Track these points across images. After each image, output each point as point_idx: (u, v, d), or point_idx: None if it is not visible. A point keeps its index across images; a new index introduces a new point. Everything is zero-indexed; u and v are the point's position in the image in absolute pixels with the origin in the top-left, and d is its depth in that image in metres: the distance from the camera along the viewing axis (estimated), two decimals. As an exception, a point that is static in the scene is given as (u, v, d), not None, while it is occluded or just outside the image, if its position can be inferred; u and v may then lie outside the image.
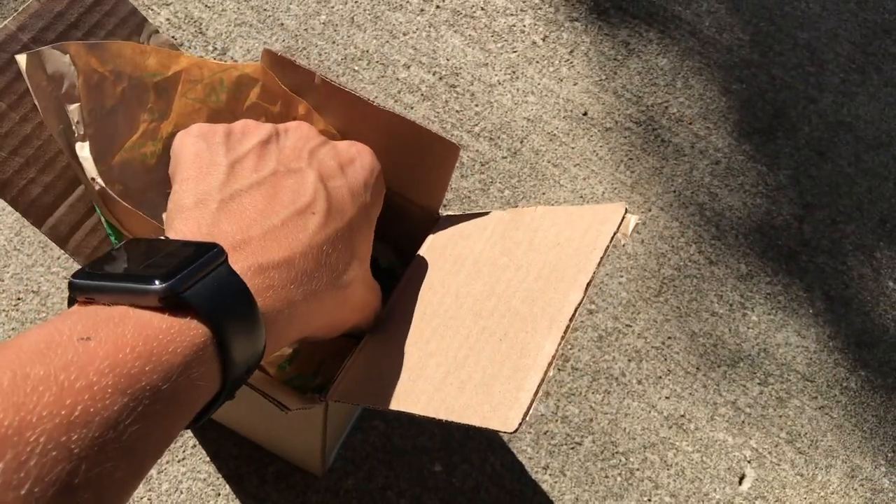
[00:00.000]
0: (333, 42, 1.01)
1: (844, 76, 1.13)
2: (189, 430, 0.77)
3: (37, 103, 0.46)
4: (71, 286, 0.33)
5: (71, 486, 0.24)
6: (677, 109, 1.05)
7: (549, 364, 0.46)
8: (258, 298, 0.37)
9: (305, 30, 1.02)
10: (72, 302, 0.34)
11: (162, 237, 0.38)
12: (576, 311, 0.48)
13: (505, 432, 0.43)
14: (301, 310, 0.42)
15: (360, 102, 0.58)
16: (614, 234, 0.51)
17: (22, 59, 0.46)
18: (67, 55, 0.47)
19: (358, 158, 0.52)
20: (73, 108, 0.47)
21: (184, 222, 0.40)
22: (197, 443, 0.77)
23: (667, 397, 0.87)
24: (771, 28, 1.15)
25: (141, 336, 0.30)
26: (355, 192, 0.49)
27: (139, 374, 0.28)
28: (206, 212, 0.41)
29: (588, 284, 0.49)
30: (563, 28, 1.09)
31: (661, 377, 0.88)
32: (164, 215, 0.50)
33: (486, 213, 0.61)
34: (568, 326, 0.47)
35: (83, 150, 0.47)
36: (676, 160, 1.01)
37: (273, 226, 0.41)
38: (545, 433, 0.82)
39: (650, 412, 0.85)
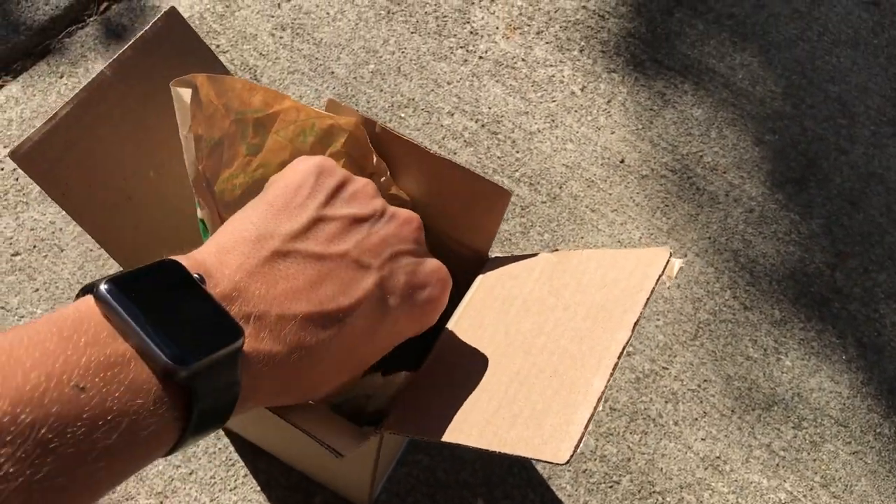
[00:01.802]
0: (381, 90, 1.06)
1: (875, 128, 1.16)
2: (241, 461, 0.80)
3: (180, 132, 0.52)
4: (97, 294, 0.32)
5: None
6: (712, 158, 1.09)
7: (599, 399, 0.48)
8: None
9: (354, 78, 1.06)
10: (84, 293, 0.33)
11: (200, 279, 0.36)
12: (623, 349, 0.51)
13: (556, 464, 0.45)
14: (271, 395, 0.41)
15: (416, 149, 0.62)
16: (659, 276, 0.54)
17: (175, 88, 0.51)
18: (192, 86, 0.52)
19: (430, 287, 0.49)
20: (191, 137, 0.52)
21: (230, 254, 0.39)
22: (248, 472, 0.80)
23: (703, 439, 0.88)
24: (803, 81, 1.19)
25: (127, 404, 0.30)
26: (399, 319, 0.47)
27: (102, 439, 0.28)
28: (254, 256, 0.39)
29: (635, 324, 0.52)
30: (600, 79, 1.13)
31: (697, 419, 0.89)
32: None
33: (534, 255, 0.64)
34: (616, 364, 0.50)
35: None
36: (711, 207, 1.04)
37: (292, 314, 0.39)
38: (584, 471, 0.84)
39: (686, 453, 0.87)
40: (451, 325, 0.65)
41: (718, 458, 0.88)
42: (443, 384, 0.60)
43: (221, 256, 0.39)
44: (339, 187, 0.46)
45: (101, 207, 0.57)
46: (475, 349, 0.61)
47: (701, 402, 0.91)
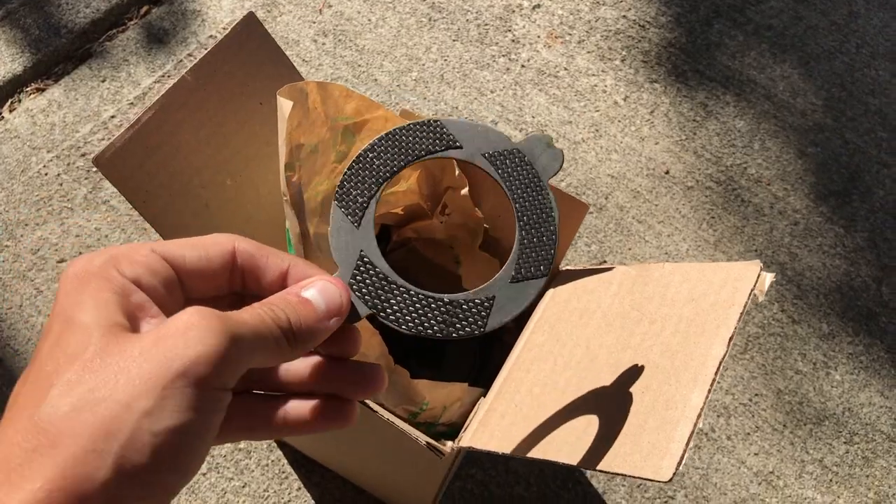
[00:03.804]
0: (424, 98, 1.05)
1: (915, 141, 1.16)
2: (294, 473, 0.79)
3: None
4: None
5: None
6: (755, 170, 1.08)
7: (699, 416, 0.47)
8: None
9: (398, 86, 1.05)
10: None
11: None
12: (720, 364, 0.50)
13: (658, 481, 0.44)
14: None
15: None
16: (752, 290, 0.53)
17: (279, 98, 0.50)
18: (299, 94, 0.51)
19: None
20: (287, 144, 0.51)
21: None
22: (301, 485, 0.78)
23: (756, 454, 0.87)
24: (843, 94, 1.18)
25: None
26: None
27: None
28: None
29: (730, 339, 0.50)
30: (643, 89, 1.12)
31: (749, 433, 0.88)
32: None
33: (610, 269, 0.63)
34: (714, 379, 0.48)
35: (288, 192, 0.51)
36: (757, 220, 1.04)
37: None
38: (639, 486, 0.83)
39: (740, 468, 0.86)
40: (524, 339, 0.64)
41: (772, 472, 0.87)
42: (524, 398, 0.59)
43: None
44: None
45: (180, 215, 0.56)
46: (555, 363, 0.60)
47: (753, 416, 0.90)
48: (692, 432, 0.46)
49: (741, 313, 0.53)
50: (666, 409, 0.50)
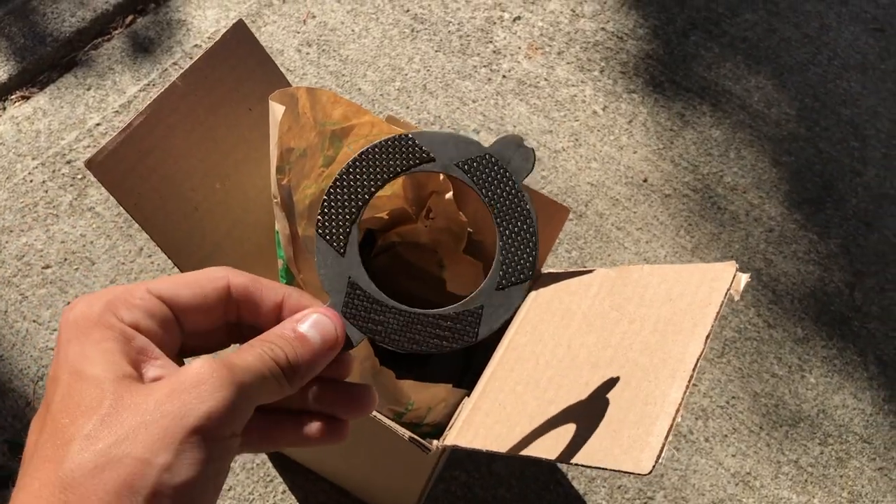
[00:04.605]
0: (407, 107, 1.07)
1: (886, 151, 1.19)
2: (279, 476, 0.80)
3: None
4: None
5: None
6: (731, 179, 1.10)
7: (677, 410, 0.49)
8: None
9: (381, 95, 1.07)
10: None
11: None
12: (697, 361, 0.51)
13: (638, 474, 0.45)
14: None
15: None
16: (727, 290, 0.54)
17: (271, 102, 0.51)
18: (289, 99, 0.52)
19: None
20: (278, 148, 0.52)
21: None
22: (286, 488, 0.79)
23: (733, 455, 0.89)
24: (816, 104, 1.21)
25: None
26: None
27: None
28: None
29: (707, 337, 0.52)
30: (621, 99, 1.14)
31: (726, 435, 0.90)
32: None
33: (590, 271, 0.65)
34: (692, 376, 0.50)
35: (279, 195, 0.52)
36: (733, 227, 1.06)
37: None
38: (619, 487, 0.85)
39: (718, 469, 0.88)
40: (507, 340, 0.65)
41: (749, 473, 0.89)
42: (507, 397, 0.60)
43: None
44: None
45: (170, 218, 0.57)
46: (537, 363, 0.61)
47: (730, 418, 0.91)
48: (671, 426, 0.48)
49: (717, 312, 0.54)
50: (645, 404, 0.51)
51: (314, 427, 0.35)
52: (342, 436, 0.36)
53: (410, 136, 0.39)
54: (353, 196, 0.38)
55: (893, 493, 0.91)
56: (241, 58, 0.60)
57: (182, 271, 0.58)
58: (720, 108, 1.17)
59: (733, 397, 0.93)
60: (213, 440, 0.28)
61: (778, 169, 1.13)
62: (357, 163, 0.38)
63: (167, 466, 0.27)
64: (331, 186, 0.37)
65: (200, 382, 0.29)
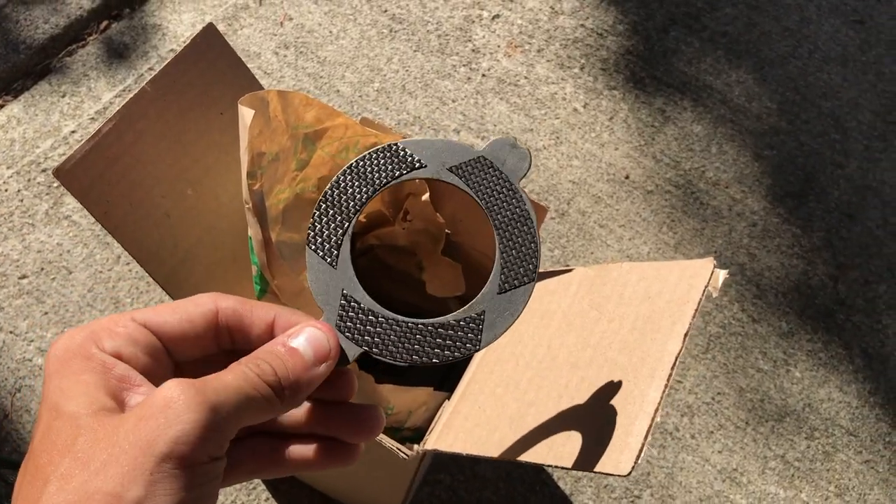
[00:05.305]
0: (387, 108, 1.06)
1: (867, 143, 1.19)
2: (262, 483, 0.79)
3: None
4: None
5: None
6: (713, 174, 1.10)
7: (656, 410, 0.48)
8: None
9: (360, 96, 1.06)
10: None
11: None
12: (676, 360, 0.51)
13: (618, 475, 0.45)
14: None
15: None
16: (706, 287, 0.54)
17: (240, 107, 0.50)
18: (259, 103, 0.51)
19: None
20: (248, 153, 0.51)
21: None
22: (270, 495, 0.78)
23: (719, 451, 0.89)
24: (797, 97, 1.21)
25: None
26: None
27: None
28: None
29: (685, 335, 0.52)
30: (602, 96, 1.14)
31: (713, 431, 0.90)
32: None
33: (569, 270, 0.64)
34: (670, 375, 0.50)
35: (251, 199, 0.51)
36: (716, 222, 1.06)
37: None
38: (605, 487, 0.84)
39: (704, 466, 0.88)
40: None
41: (735, 469, 0.88)
42: (487, 399, 0.60)
43: None
44: None
45: (141, 226, 0.56)
46: (517, 364, 0.61)
47: (716, 414, 0.91)
48: (650, 426, 0.47)
49: (696, 310, 0.54)
50: (625, 404, 0.51)
51: (321, 451, 0.34)
52: (352, 459, 0.35)
53: (399, 144, 0.38)
54: (344, 207, 0.37)
55: (880, 485, 0.91)
56: (211, 61, 0.59)
57: (154, 279, 0.57)
58: (701, 103, 1.17)
59: (719, 393, 0.93)
60: (189, 466, 0.27)
61: (760, 163, 1.13)
62: (346, 175, 0.37)
63: (139, 500, 0.26)
64: (320, 200, 0.36)
65: (167, 406, 0.27)
